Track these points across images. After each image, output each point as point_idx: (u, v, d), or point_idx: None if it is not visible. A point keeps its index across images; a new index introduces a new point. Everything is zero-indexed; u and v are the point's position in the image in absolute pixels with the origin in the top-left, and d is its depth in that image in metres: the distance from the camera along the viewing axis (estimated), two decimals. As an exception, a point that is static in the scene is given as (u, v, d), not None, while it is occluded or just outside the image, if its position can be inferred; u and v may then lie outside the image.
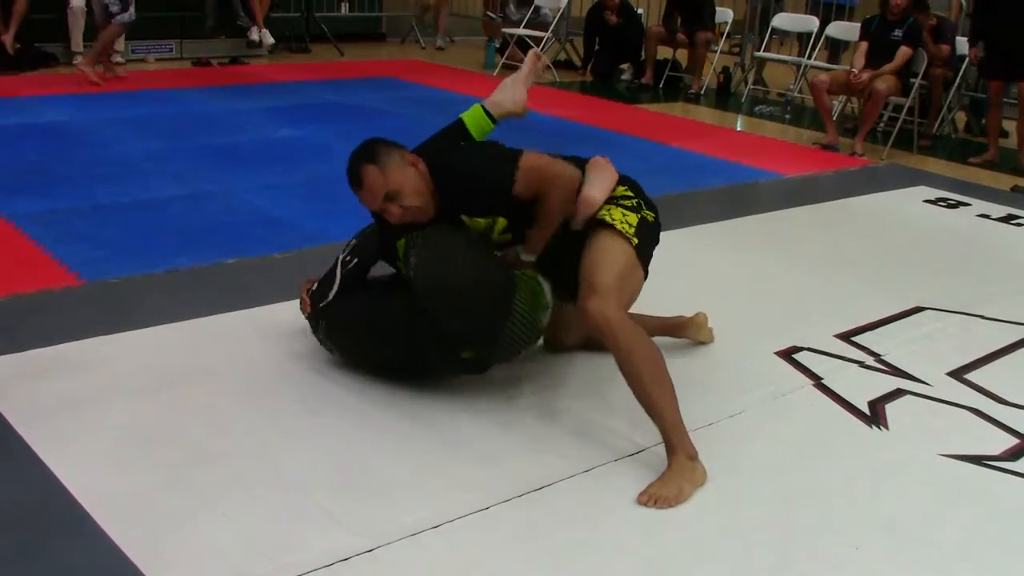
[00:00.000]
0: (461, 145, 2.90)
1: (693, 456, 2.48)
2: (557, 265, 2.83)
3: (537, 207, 2.69)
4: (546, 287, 2.87)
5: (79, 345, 3.00)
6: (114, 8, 7.11)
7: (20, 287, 3.41)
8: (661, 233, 2.88)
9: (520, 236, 2.80)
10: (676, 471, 2.45)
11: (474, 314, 2.70)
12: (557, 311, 2.99)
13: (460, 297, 2.66)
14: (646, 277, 2.75)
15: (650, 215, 2.81)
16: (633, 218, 2.73)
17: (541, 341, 3.05)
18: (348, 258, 2.88)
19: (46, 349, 2.95)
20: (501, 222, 2.77)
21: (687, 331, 3.27)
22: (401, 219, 2.68)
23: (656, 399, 2.50)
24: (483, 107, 2.94)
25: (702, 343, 3.30)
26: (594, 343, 3.04)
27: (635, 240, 2.67)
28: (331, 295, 2.85)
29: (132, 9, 7.19)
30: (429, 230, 2.71)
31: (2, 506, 2.22)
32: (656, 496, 2.39)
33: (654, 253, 2.80)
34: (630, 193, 2.84)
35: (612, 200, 2.77)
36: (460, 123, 2.93)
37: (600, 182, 2.76)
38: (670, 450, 2.49)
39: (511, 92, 2.98)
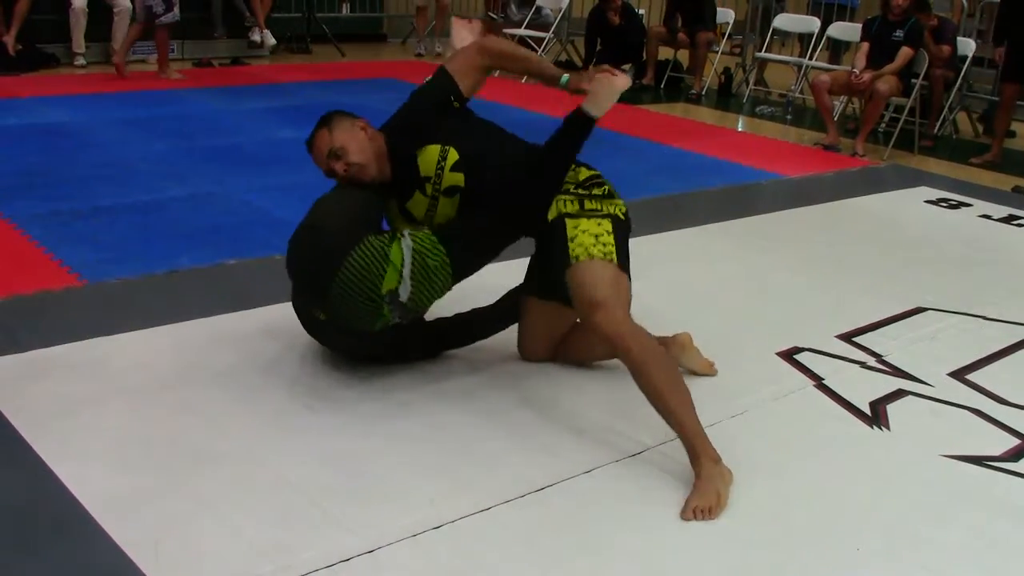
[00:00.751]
0: None
1: (717, 460, 2.45)
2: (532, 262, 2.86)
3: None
4: (406, 254, 2.67)
5: (80, 346, 3.00)
6: (158, 9, 7.19)
7: (21, 288, 3.41)
8: (662, 234, 2.88)
9: (476, 185, 2.76)
10: (707, 478, 2.41)
11: (312, 256, 2.72)
12: (526, 321, 2.95)
13: (306, 234, 2.75)
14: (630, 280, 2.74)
15: (620, 210, 2.78)
16: (607, 226, 2.69)
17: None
18: None
19: (47, 350, 2.96)
20: (453, 154, 2.76)
21: (670, 353, 2.92)
22: (346, 176, 2.80)
23: (674, 407, 2.48)
24: None
25: (693, 372, 3.00)
26: (569, 357, 3.00)
27: (614, 256, 2.65)
28: None
29: (176, 10, 7.27)
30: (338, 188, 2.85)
31: (3, 506, 2.22)
32: (699, 508, 2.35)
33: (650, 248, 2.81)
34: (595, 172, 2.83)
35: (579, 203, 2.73)
36: None
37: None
38: (694, 457, 2.45)
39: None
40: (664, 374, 2.51)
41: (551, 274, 2.71)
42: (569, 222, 2.69)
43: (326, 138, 2.81)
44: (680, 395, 2.50)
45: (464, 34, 3.16)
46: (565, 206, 2.72)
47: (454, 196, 2.80)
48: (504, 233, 2.83)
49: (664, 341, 2.98)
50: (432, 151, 2.77)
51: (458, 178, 2.77)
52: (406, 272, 2.67)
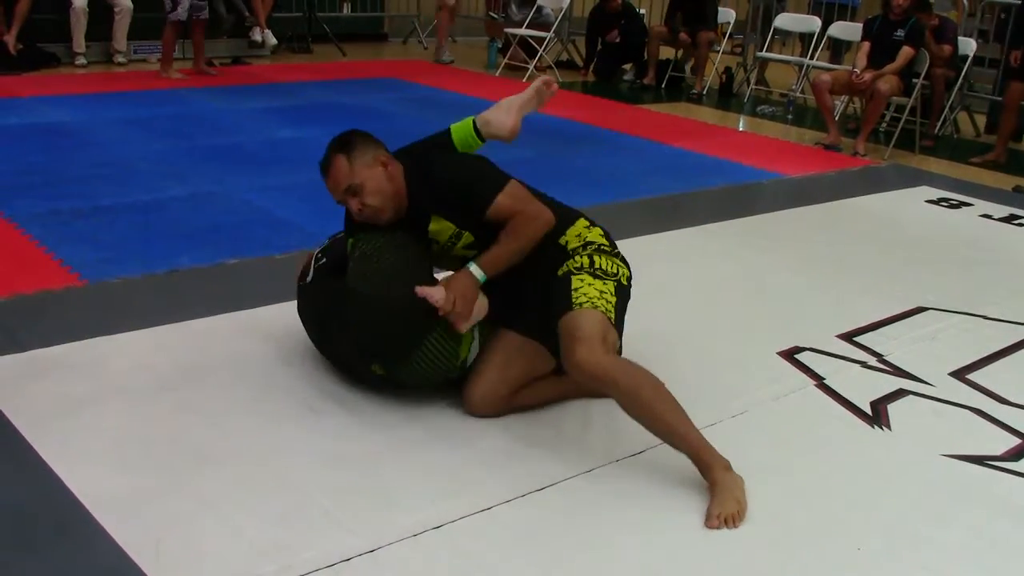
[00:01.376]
0: (456, 153, 2.87)
1: (727, 466, 2.44)
2: (517, 309, 2.77)
3: (502, 233, 2.65)
4: (477, 326, 2.73)
5: (80, 345, 3.00)
6: (168, 6, 7.25)
7: (22, 287, 3.41)
8: (663, 233, 2.86)
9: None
10: (723, 487, 2.39)
11: (388, 330, 2.66)
12: (489, 355, 2.75)
13: (378, 310, 2.65)
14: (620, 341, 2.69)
15: (624, 276, 2.76)
16: (611, 287, 2.67)
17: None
18: (320, 255, 2.88)
19: (48, 349, 2.96)
20: (467, 236, 2.73)
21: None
22: (359, 215, 2.71)
23: (675, 426, 2.45)
24: (474, 122, 2.90)
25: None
26: (518, 402, 2.77)
27: (612, 315, 2.61)
28: (306, 281, 2.88)
29: (181, 9, 7.31)
30: (375, 236, 2.72)
31: (3, 506, 2.22)
32: (722, 515, 2.33)
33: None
34: (607, 245, 2.79)
35: (589, 260, 2.69)
36: (447, 133, 2.91)
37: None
38: (705, 468, 2.43)
39: (503, 115, 2.91)
40: (655, 395, 2.47)
41: (543, 316, 2.65)
42: (575, 277, 2.66)
43: (344, 170, 2.67)
44: (676, 412, 2.47)
45: (530, 104, 2.98)
46: (576, 261, 2.71)
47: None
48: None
49: None
50: (447, 226, 2.73)
51: (470, 254, 2.73)
52: (476, 343, 2.75)
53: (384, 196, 2.70)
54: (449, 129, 2.91)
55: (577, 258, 2.72)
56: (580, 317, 2.56)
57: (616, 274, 2.73)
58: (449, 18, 9.84)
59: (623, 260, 2.81)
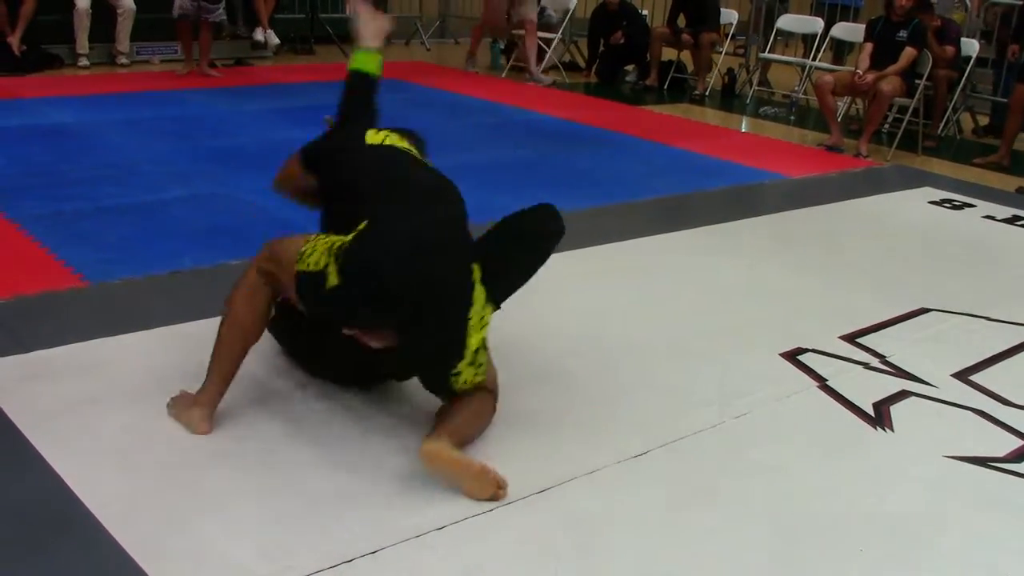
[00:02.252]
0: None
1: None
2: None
3: None
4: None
5: (83, 346, 3.00)
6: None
7: (24, 288, 3.41)
8: (666, 234, 2.85)
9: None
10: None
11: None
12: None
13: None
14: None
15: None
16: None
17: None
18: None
19: (50, 350, 2.96)
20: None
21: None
22: None
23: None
24: (360, 51, 3.26)
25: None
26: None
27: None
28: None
29: (176, 3, 7.44)
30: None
31: (6, 506, 2.22)
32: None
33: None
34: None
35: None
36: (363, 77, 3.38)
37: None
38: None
39: (373, 23, 3.31)
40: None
41: None
42: None
43: None
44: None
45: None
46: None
47: None
48: None
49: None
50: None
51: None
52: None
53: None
54: (363, 73, 3.36)
55: None
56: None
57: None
58: (481, 34, 9.77)
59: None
